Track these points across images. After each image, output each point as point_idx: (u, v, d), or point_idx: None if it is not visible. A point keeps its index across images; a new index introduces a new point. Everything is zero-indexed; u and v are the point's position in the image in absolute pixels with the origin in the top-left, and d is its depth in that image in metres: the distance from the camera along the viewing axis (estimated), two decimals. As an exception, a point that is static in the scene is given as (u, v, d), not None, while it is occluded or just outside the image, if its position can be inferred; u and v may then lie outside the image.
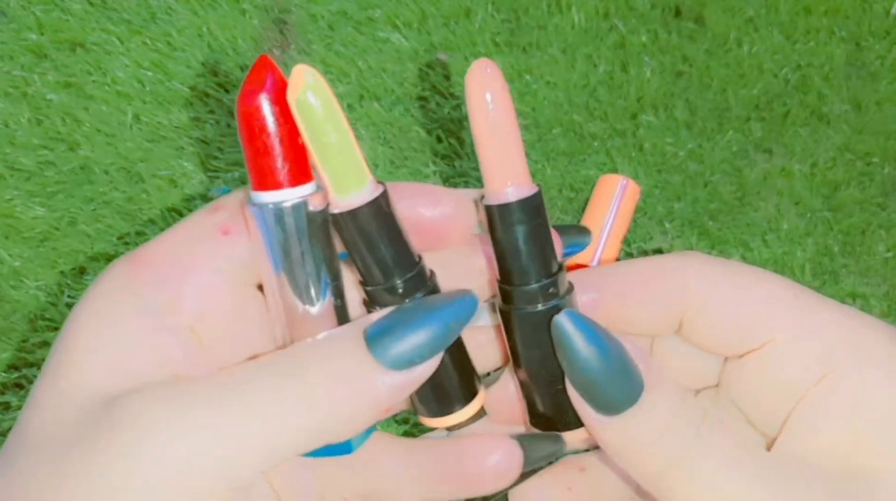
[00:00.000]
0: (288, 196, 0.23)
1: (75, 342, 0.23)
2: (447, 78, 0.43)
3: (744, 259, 0.41)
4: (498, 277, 0.25)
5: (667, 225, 0.41)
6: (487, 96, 0.23)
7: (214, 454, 0.21)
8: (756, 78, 0.43)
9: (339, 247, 0.25)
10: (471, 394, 0.26)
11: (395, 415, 0.40)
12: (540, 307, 0.24)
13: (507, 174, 0.24)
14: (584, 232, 0.27)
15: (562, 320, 0.24)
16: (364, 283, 0.25)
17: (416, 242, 0.25)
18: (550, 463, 0.30)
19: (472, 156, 0.42)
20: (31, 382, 0.38)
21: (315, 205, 0.23)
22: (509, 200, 0.24)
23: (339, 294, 0.25)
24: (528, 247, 0.24)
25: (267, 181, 0.23)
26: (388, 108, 0.42)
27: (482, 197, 0.25)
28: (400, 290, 0.24)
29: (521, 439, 0.28)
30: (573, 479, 0.28)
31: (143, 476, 0.21)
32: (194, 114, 0.42)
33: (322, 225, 0.24)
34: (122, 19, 0.43)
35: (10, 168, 0.41)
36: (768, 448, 0.26)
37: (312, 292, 0.24)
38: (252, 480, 0.22)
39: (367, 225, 0.23)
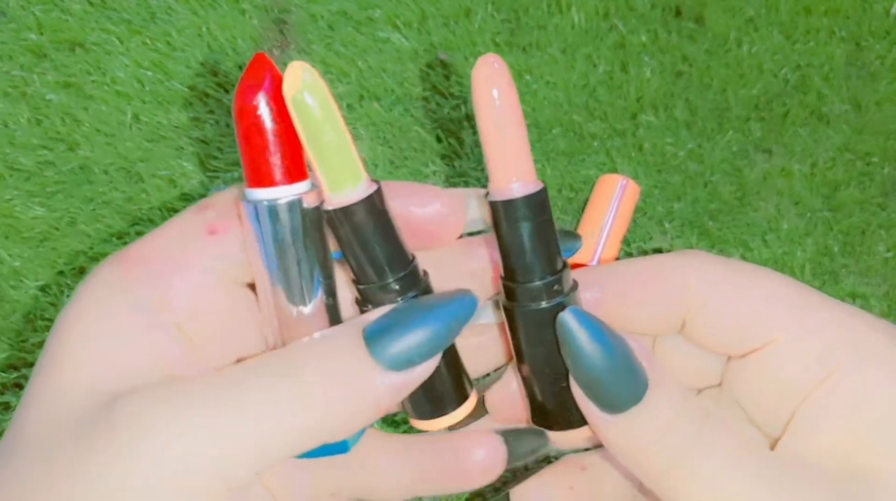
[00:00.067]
0: (283, 193, 0.23)
1: (68, 339, 0.23)
2: (447, 78, 0.43)
3: (744, 259, 0.41)
4: (502, 274, 0.25)
5: (667, 225, 0.41)
6: (494, 92, 0.23)
7: (212, 454, 0.21)
8: (756, 78, 0.43)
9: (332, 247, 0.25)
10: (462, 397, 0.26)
11: (394, 416, 0.40)
12: (544, 304, 0.24)
13: (513, 170, 0.24)
14: (575, 237, 0.27)
15: (567, 317, 0.24)
16: (357, 282, 0.25)
17: (407, 241, 0.25)
18: (548, 461, 0.30)
19: (472, 156, 0.42)
20: (30, 382, 0.38)
21: (309, 203, 0.23)
22: (514, 196, 0.24)
23: (331, 292, 0.25)
24: (533, 244, 0.24)
25: (262, 178, 0.23)
26: (388, 108, 0.42)
27: (486, 194, 0.24)
28: (393, 289, 0.24)
29: (506, 434, 0.28)
30: (574, 478, 0.28)
31: (140, 476, 0.21)
32: (194, 114, 0.42)
33: (316, 223, 0.24)
34: (121, 19, 0.43)
35: (10, 168, 0.41)
36: (771, 448, 0.26)
37: (305, 290, 0.24)
38: (249, 480, 0.22)
39: (361, 222, 0.23)
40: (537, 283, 0.24)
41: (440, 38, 0.43)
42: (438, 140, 0.42)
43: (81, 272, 0.40)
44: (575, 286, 0.25)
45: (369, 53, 0.43)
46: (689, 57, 0.44)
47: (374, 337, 0.23)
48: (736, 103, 0.43)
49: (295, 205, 0.23)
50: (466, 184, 0.41)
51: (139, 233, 0.41)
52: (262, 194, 0.23)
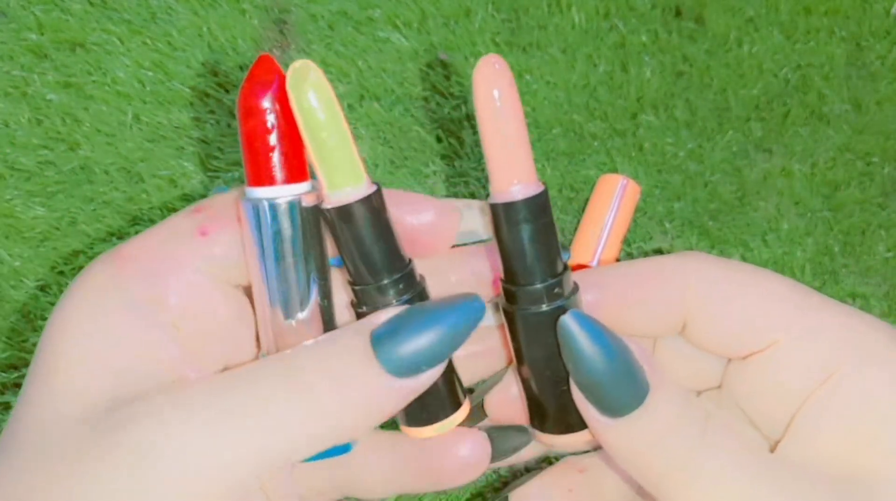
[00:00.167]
0: (283, 193, 0.23)
1: (63, 338, 0.23)
2: (447, 78, 0.43)
3: (744, 259, 0.41)
4: (502, 277, 0.25)
5: (667, 225, 0.41)
6: (495, 92, 0.23)
7: (218, 460, 0.21)
8: (756, 78, 0.44)
9: (330, 253, 0.25)
10: (455, 405, 0.26)
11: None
12: (545, 307, 0.24)
13: (514, 172, 0.23)
14: (563, 248, 0.27)
15: (568, 321, 0.24)
16: (353, 283, 0.25)
17: None
18: (549, 462, 0.30)
19: (473, 156, 0.42)
20: (30, 382, 0.38)
21: (309, 204, 0.23)
22: (515, 198, 0.23)
23: (326, 295, 0.25)
24: (534, 247, 0.24)
25: (263, 177, 0.23)
26: (388, 108, 0.42)
27: (480, 204, 0.24)
28: (389, 290, 0.24)
29: (490, 431, 0.28)
30: (574, 481, 0.28)
31: (144, 480, 0.21)
32: (194, 114, 0.42)
33: (314, 224, 0.24)
34: (122, 19, 0.43)
35: (10, 168, 0.41)
36: (771, 450, 0.26)
37: (300, 290, 0.24)
38: (254, 485, 0.22)
39: (360, 222, 0.23)
40: (538, 286, 0.24)
41: (440, 38, 0.43)
42: (438, 140, 0.42)
43: (82, 272, 0.40)
44: (575, 288, 0.25)
45: (369, 53, 0.43)
46: (689, 57, 0.44)
47: (381, 342, 0.23)
48: (736, 103, 0.43)
49: (295, 204, 0.23)
50: (466, 184, 0.41)
51: (139, 233, 0.41)
52: (263, 193, 0.23)
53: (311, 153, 0.23)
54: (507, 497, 0.29)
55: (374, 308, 0.24)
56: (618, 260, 0.40)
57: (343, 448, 0.26)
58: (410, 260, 0.25)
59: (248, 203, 0.23)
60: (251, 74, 0.23)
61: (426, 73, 0.43)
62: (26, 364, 0.39)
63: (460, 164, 0.41)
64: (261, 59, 0.23)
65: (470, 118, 0.42)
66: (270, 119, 0.23)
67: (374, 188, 0.23)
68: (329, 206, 0.23)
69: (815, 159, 0.42)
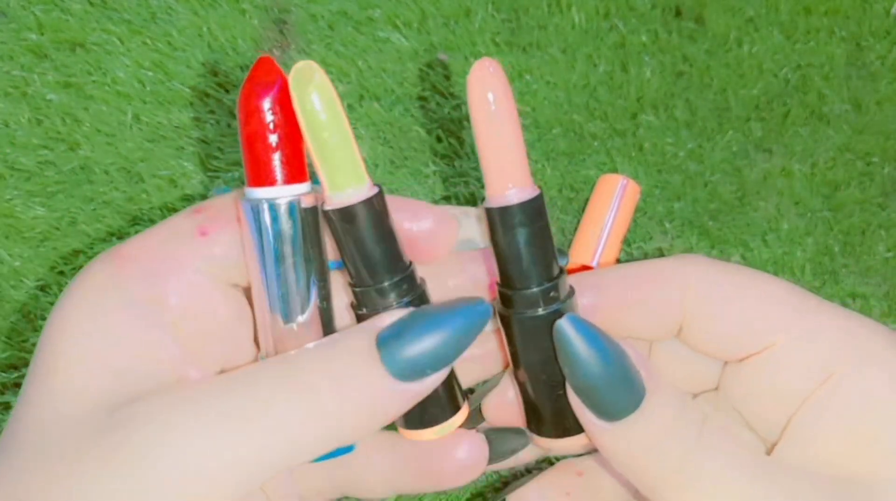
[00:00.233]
0: (283, 193, 0.23)
1: (62, 338, 0.23)
2: (447, 78, 0.43)
3: (744, 259, 0.41)
4: (498, 281, 0.25)
5: (667, 225, 0.41)
6: (489, 96, 0.23)
7: (222, 463, 0.21)
8: (756, 78, 0.43)
9: (329, 256, 0.25)
10: (454, 408, 0.26)
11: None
12: (541, 311, 0.24)
13: (509, 176, 0.23)
14: (562, 254, 0.27)
15: (564, 325, 0.24)
16: (353, 285, 0.25)
17: None
18: (550, 462, 0.30)
19: (473, 156, 0.42)
20: (30, 382, 0.38)
21: (308, 205, 0.23)
22: (510, 203, 0.23)
23: (325, 296, 0.25)
24: (530, 251, 0.24)
25: (263, 178, 0.23)
26: (388, 108, 0.42)
27: (477, 213, 0.24)
28: (390, 292, 0.24)
29: (488, 433, 0.28)
30: (571, 484, 0.28)
31: (149, 481, 0.21)
32: (194, 114, 0.42)
33: (314, 225, 0.24)
34: (122, 19, 0.43)
35: (10, 168, 0.41)
36: (768, 453, 0.26)
37: (299, 290, 0.24)
38: (256, 487, 0.22)
39: (362, 223, 0.23)
40: (534, 290, 0.24)
41: (440, 38, 0.43)
42: (438, 140, 0.42)
43: (82, 272, 0.40)
44: (571, 292, 0.25)
45: (369, 53, 0.43)
46: (689, 57, 0.44)
47: (386, 345, 0.23)
48: (736, 103, 0.43)
49: (294, 205, 0.23)
50: (466, 184, 0.41)
51: (139, 233, 0.41)
52: (263, 193, 0.23)
53: (314, 154, 0.23)
54: (504, 500, 0.29)
55: (375, 310, 0.24)
56: (618, 260, 0.40)
57: (346, 449, 0.26)
58: (411, 263, 0.25)
59: (248, 203, 0.23)
60: (251, 76, 0.23)
61: (426, 73, 0.43)
62: (26, 364, 0.39)
63: (460, 164, 0.41)
64: (261, 61, 0.23)
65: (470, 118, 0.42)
66: (271, 120, 0.23)
67: (375, 190, 0.23)
68: (331, 208, 0.23)
69: (815, 159, 0.42)
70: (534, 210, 0.23)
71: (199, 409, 0.22)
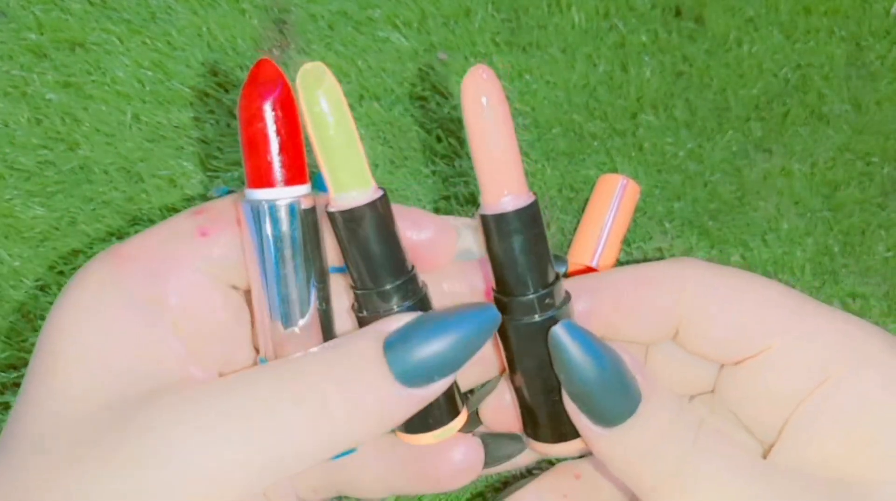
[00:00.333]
0: (283, 194, 0.23)
1: (61, 336, 0.23)
2: (447, 78, 0.43)
3: (744, 259, 0.41)
4: (494, 287, 0.25)
5: (667, 225, 0.41)
6: (483, 104, 0.23)
7: (222, 464, 0.21)
8: (756, 78, 0.43)
9: (330, 260, 0.25)
10: (454, 413, 0.26)
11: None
12: (537, 318, 0.24)
13: (504, 183, 0.23)
14: (561, 260, 0.27)
15: (559, 332, 0.24)
16: (355, 287, 0.25)
17: None
18: (551, 463, 0.30)
19: (472, 156, 0.42)
20: (30, 382, 0.38)
21: (308, 206, 0.23)
22: (505, 210, 0.23)
23: (325, 297, 0.25)
24: (525, 257, 0.24)
25: (263, 179, 0.23)
26: (388, 108, 0.42)
27: (476, 223, 0.24)
28: (392, 296, 0.24)
29: (484, 437, 0.28)
30: (569, 486, 0.28)
31: (149, 481, 0.21)
32: (194, 113, 0.42)
33: (314, 226, 0.24)
34: (122, 19, 0.43)
35: (10, 168, 0.41)
36: (765, 455, 0.26)
37: (299, 290, 0.24)
38: (259, 490, 0.22)
39: (366, 226, 0.23)
40: (529, 297, 0.24)
41: (440, 37, 0.43)
42: (438, 140, 0.42)
43: (81, 272, 0.40)
44: (567, 298, 0.25)
45: (369, 53, 0.43)
46: (689, 57, 0.44)
47: (394, 350, 0.23)
48: (736, 103, 0.43)
49: (295, 206, 0.23)
50: (466, 184, 0.41)
51: (139, 233, 0.41)
52: (263, 195, 0.23)
53: (320, 156, 0.23)
54: (504, 501, 0.29)
55: (376, 313, 0.24)
56: (618, 259, 0.40)
57: (347, 451, 0.26)
58: (413, 267, 0.25)
59: (248, 204, 0.23)
60: (252, 78, 0.23)
61: (426, 73, 0.43)
62: (26, 364, 0.39)
63: (460, 164, 0.41)
64: (261, 63, 0.23)
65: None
66: (272, 122, 0.23)
67: (380, 193, 0.23)
68: (335, 209, 0.23)
69: (814, 159, 0.42)
70: (529, 217, 0.23)
71: (202, 411, 0.21)
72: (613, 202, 0.40)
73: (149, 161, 0.41)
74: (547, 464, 0.35)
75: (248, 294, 0.26)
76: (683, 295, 0.26)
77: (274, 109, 0.23)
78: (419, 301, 0.25)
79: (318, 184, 0.25)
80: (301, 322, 0.24)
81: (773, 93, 0.43)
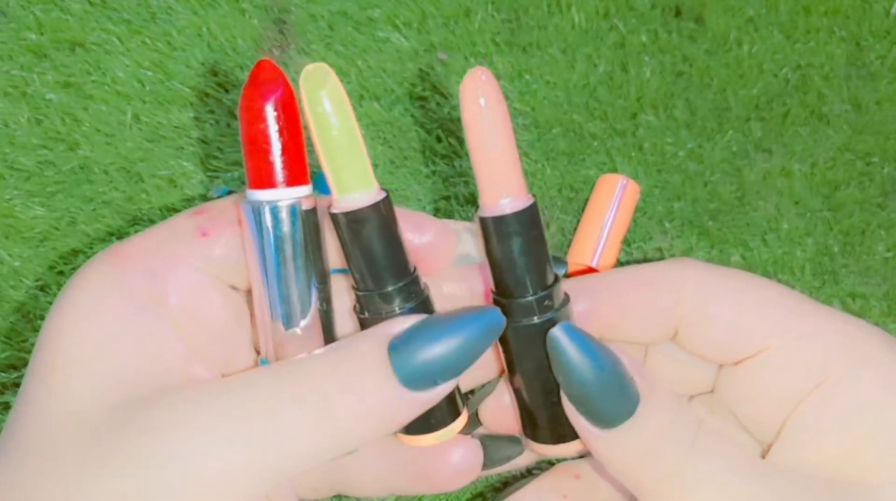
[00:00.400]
0: (284, 195, 0.23)
1: (61, 336, 0.23)
2: (447, 78, 0.43)
3: (744, 259, 0.41)
4: (493, 289, 0.25)
5: (667, 225, 0.41)
6: (482, 106, 0.22)
7: (223, 466, 0.21)
8: (756, 78, 0.43)
9: (331, 262, 0.25)
10: (455, 414, 0.26)
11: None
12: (536, 320, 0.24)
13: (502, 186, 0.23)
14: (561, 262, 0.27)
15: (557, 334, 0.24)
16: (357, 288, 0.24)
17: None
18: (551, 464, 0.30)
19: (472, 156, 0.42)
20: (30, 382, 0.38)
21: (309, 207, 0.23)
22: (504, 212, 0.23)
23: (326, 298, 0.25)
24: (524, 260, 0.24)
25: (265, 180, 0.23)
26: (388, 108, 0.42)
27: (476, 211, 0.24)
28: (395, 298, 0.24)
29: (483, 439, 0.28)
30: (569, 486, 0.28)
31: (149, 482, 0.20)
32: (194, 114, 0.42)
33: (315, 227, 0.24)
34: (122, 19, 0.43)
35: (10, 168, 0.41)
36: (764, 456, 0.26)
37: (300, 291, 0.24)
38: (261, 492, 0.22)
39: (369, 227, 0.23)
40: (528, 299, 0.24)
41: (440, 38, 0.43)
42: (438, 140, 0.42)
43: (81, 272, 0.40)
44: (566, 300, 0.25)
45: (369, 53, 0.43)
46: (689, 57, 0.44)
47: (398, 353, 0.23)
48: (736, 103, 0.43)
49: (296, 207, 0.23)
50: (466, 184, 0.41)
51: (139, 232, 0.41)
52: (264, 195, 0.23)
53: (323, 157, 0.23)
54: (504, 501, 0.29)
55: (378, 314, 0.24)
56: (618, 259, 0.40)
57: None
58: (415, 269, 0.25)
59: (249, 205, 0.23)
60: (253, 78, 0.23)
61: (426, 73, 0.43)
62: (25, 364, 0.39)
63: (460, 164, 0.41)
64: (262, 63, 0.23)
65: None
66: (274, 123, 0.23)
67: (383, 194, 0.23)
68: (338, 211, 0.23)
69: (814, 159, 0.42)
70: (528, 219, 0.23)
71: (203, 411, 0.21)
72: (613, 202, 0.40)
73: (149, 161, 0.41)
74: (547, 464, 0.35)
75: (248, 294, 0.26)
76: (682, 295, 0.26)
77: (276, 110, 0.23)
78: (421, 303, 0.25)
79: (319, 184, 0.24)
80: (302, 323, 0.24)
81: (773, 93, 0.43)
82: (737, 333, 0.25)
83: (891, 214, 0.42)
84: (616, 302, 0.26)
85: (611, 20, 0.44)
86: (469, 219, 0.40)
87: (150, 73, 0.42)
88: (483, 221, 0.24)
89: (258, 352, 0.26)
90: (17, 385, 0.38)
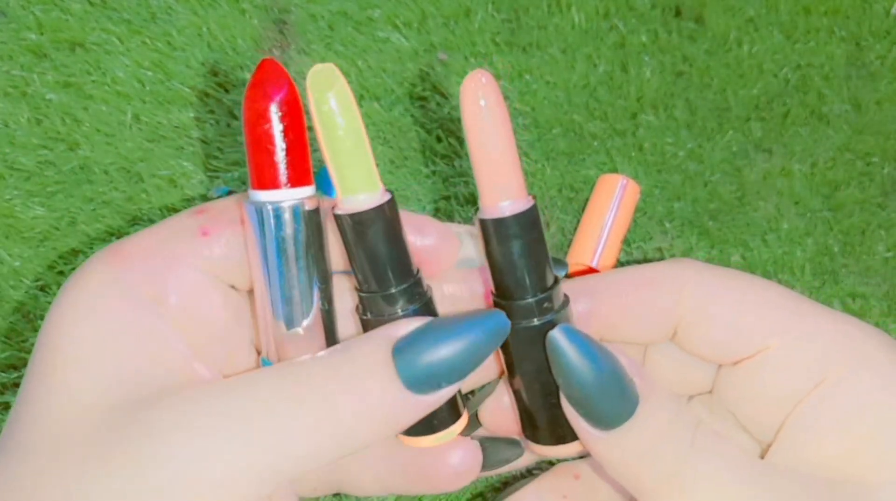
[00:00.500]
0: (287, 196, 0.23)
1: (61, 335, 0.23)
2: (447, 78, 0.43)
3: (744, 259, 0.41)
4: (493, 291, 0.25)
5: (667, 225, 0.41)
6: (482, 108, 0.22)
7: (223, 467, 0.21)
8: (756, 78, 0.43)
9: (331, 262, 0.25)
10: (455, 416, 0.26)
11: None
12: (535, 322, 0.24)
13: (502, 188, 0.23)
14: (561, 264, 0.27)
15: (556, 335, 0.24)
16: (360, 289, 0.24)
17: None
18: (551, 464, 0.30)
19: (472, 156, 0.42)
20: (30, 382, 0.38)
21: (312, 208, 0.23)
22: (504, 215, 0.23)
23: (328, 299, 0.25)
24: (524, 262, 0.24)
25: (268, 181, 0.23)
26: (388, 108, 0.42)
27: (476, 211, 0.24)
28: (398, 299, 0.24)
29: (482, 441, 0.28)
30: (569, 487, 0.28)
31: (150, 482, 0.20)
32: (194, 114, 0.42)
33: (317, 228, 0.24)
34: (122, 19, 0.43)
35: (10, 168, 0.41)
36: (762, 456, 0.26)
37: (302, 292, 0.24)
38: (263, 493, 0.22)
39: (374, 229, 0.23)
40: (528, 301, 0.24)
41: (440, 38, 0.43)
42: (438, 140, 0.42)
43: (81, 272, 0.40)
44: (566, 302, 0.25)
45: (369, 53, 0.43)
46: (689, 57, 0.44)
47: (402, 355, 0.23)
48: (736, 103, 0.43)
49: (298, 208, 0.23)
50: (466, 184, 0.41)
51: (139, 231, 0.41)
52: (267, 196, 0.23)
53: (328, 158, 0.23)
54: (504, 501, 0.29)
55: (381, 316, 0.24)
56: (618, 259, 0.40)
57: None
58: (419, 271, 0.25)
59: (252, 206, 0.23)
60: (257, 78, 0.23)
61: (426, 73, 0.43)
62: (26, 363, 0.39)
63: (460, 164, 0.41)
64: (265, 63, 0.23)
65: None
66: (278, 123, 0.23)
67: (388, 196, 0.23)
68: (343, 212, 0.23)
69: (815, 159, 0.42)
70: (528, 221, 0.23)
71: (204, 412, 0.21)
72: (613, 202, 0.40)
73: (149, 161, 0.41)
74: (546, 464, 0.35)
75: (248, 294, 0.26)
76: (682, 295, 0.26)
77: (280, 110, 0.23)
78: (424, 305, 0.25)
79: (321, 182, 0.24)
80: (304, 323, 0.24)
81: (773, 93, 0.43)
82: (736, 333, 0.25)
83: (891, 214, 0.42)
84: (616, 303, 0.26)
85: (611, 20, 0.44)
86: (469, 219, 0.40)
87: (150, 73, 0.42)
88: (483, 223, 0.23)
89: (259, 352, 0.26)
90: (17, 385, 0.38)
